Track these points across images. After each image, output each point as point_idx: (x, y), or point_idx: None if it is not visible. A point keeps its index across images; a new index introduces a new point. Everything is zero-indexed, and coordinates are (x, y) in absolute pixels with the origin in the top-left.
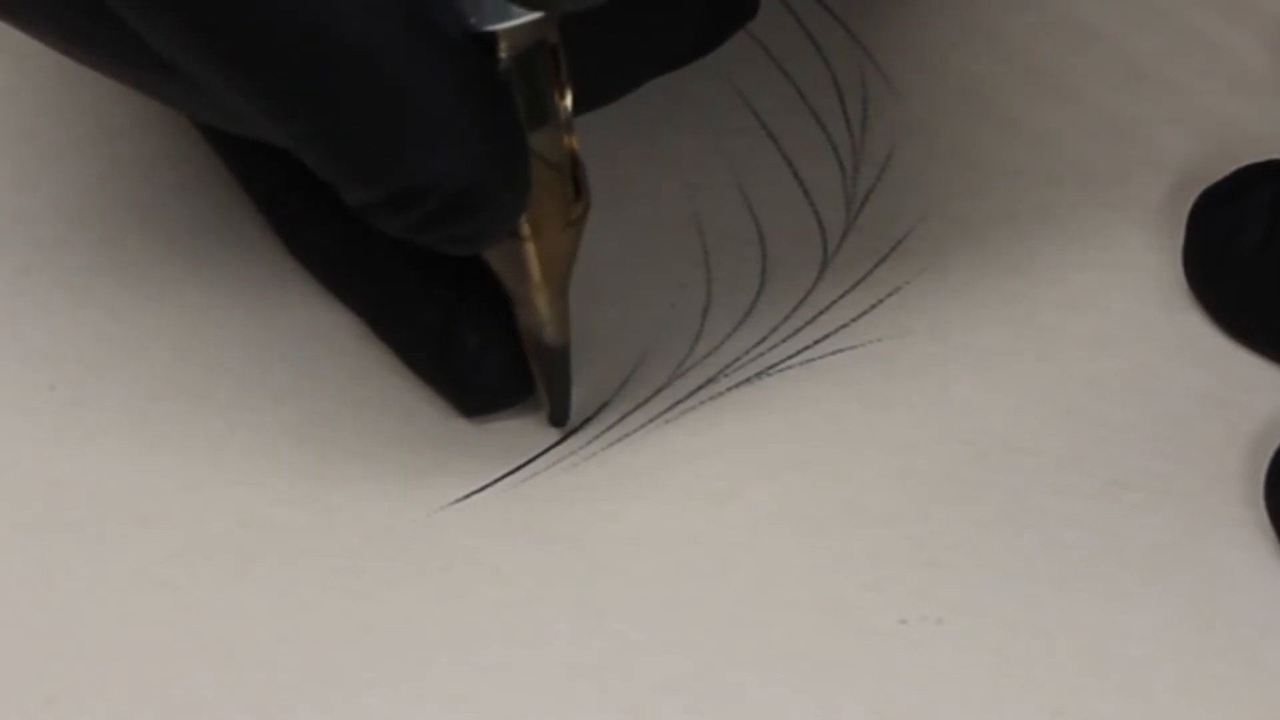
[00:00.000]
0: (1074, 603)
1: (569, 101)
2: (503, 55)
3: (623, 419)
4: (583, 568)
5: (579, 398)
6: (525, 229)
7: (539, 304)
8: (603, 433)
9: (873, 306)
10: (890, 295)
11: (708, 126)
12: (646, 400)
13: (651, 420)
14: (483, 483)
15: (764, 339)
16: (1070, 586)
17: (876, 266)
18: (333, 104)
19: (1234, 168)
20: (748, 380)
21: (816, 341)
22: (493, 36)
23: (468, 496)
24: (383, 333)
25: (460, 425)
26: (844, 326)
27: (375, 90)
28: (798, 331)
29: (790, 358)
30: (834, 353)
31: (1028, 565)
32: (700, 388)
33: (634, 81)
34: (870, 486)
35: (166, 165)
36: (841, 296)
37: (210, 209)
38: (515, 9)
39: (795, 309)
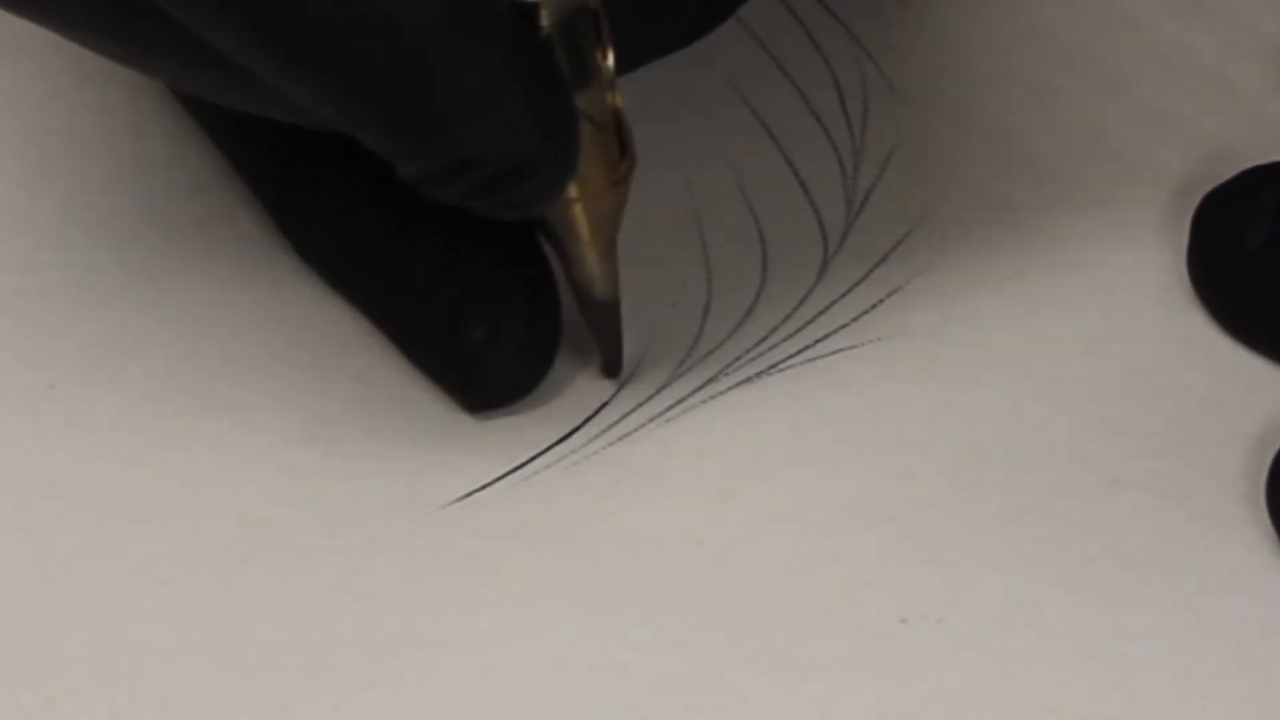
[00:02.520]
0: (1074, 603)
1: (611, 61)
2: (544, 23)
3: (623, 418)
4: (583, 567)
5: (580, 393)
6: (573, 190)
7: (588, 261)
8: (603, 432)
9: (873, 306)
10: (890, 295)
11: (708, 126)
12: (647, 399)
13: (652, 419)
14: (483, 482)
15: (764, 338)
16: (1070, 586)
17: (876, 266)
18: (383, 83)
19: (1238, 169)
20: (748, 380)
21: (817, 341)
22: (534, 5)
23: (468, 495)
24: (387, 328)
25: (460, 424)
26: (844, 326)
27: (424, 67)
28: (798, 331)
29: (791, 357)
30: (834, 352)
31: (1028, 565)
32: (701, 387)
33: (652, 53)
34: (870, 486)
35: (169, 164)
36: (842, 296)
37: (212, 207)
38: None
39: (795, 308)
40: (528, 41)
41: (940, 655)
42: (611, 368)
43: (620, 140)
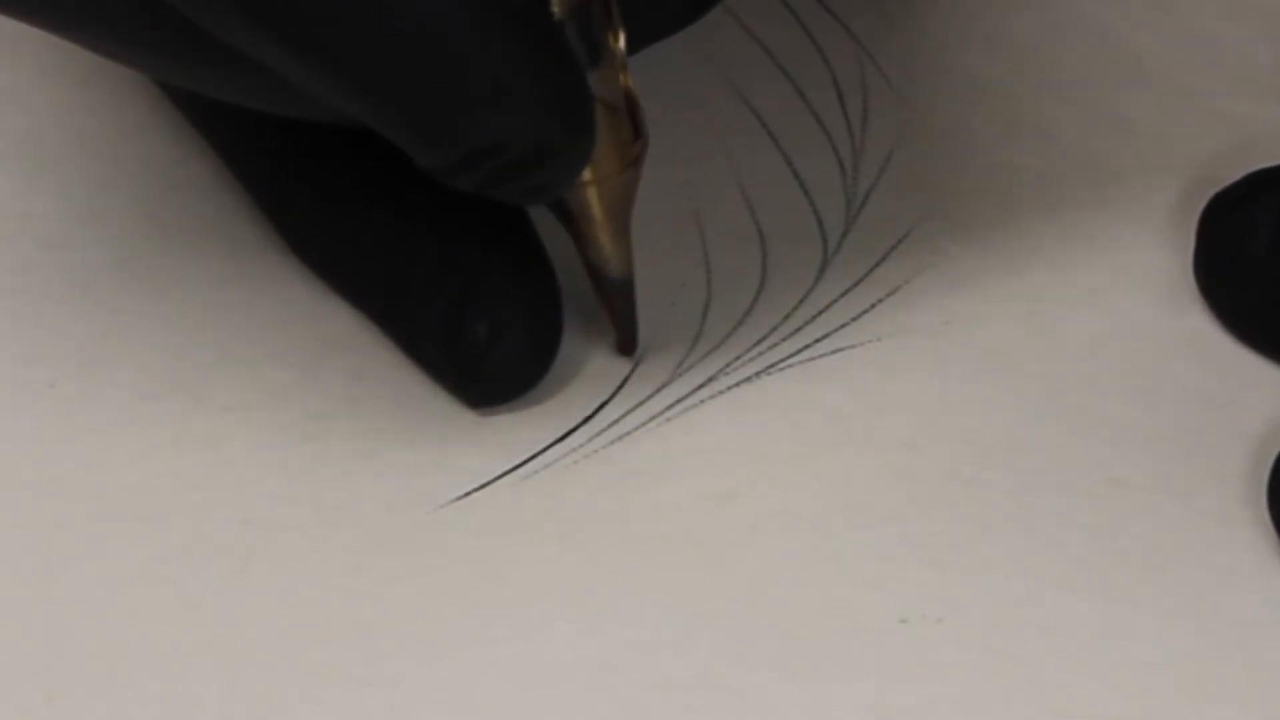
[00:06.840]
0: (1074, 603)
1: (623, 42)
2: (556, 9)
3: (623, 417)
4: (583, 567)
5: (579, 391)
6: (586, 172)
7: (602, 241)
8: (603, 431)
9: (873, 305)
10: (890, 294)
11: (708, 125)
12: (647, 399)
13: (652, 419)
14: (482, 481)
15: (764, 338)
16: (1070, 586)
17: (876, 266)
18: (398, 75)
19: (1244, 171)
20: (748, 379)
21: (816, 340)
22: None
23: (467, 494)
24: (388, 325)
25: (459, 422)
26: (844, 326)
27: (439, 58)
28: (798, 330)
29: (790, 357)
30: (834, 352)
31: (1028, 565)
32: (700, 386)
33: (643, 38)
34: (870, 486)
35: (168, 164)
36: (841, 296)
37: (211, 208)
38: None
39: (795, 308)
40: (541, 25)
41: (940, 655)
42: (627, 345)
43: (633, 121)
